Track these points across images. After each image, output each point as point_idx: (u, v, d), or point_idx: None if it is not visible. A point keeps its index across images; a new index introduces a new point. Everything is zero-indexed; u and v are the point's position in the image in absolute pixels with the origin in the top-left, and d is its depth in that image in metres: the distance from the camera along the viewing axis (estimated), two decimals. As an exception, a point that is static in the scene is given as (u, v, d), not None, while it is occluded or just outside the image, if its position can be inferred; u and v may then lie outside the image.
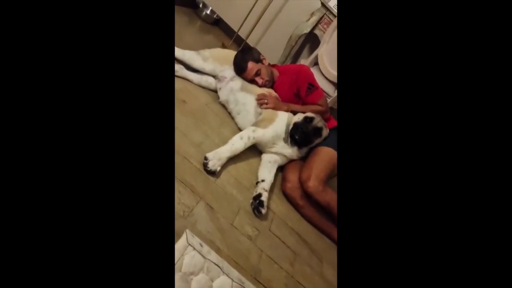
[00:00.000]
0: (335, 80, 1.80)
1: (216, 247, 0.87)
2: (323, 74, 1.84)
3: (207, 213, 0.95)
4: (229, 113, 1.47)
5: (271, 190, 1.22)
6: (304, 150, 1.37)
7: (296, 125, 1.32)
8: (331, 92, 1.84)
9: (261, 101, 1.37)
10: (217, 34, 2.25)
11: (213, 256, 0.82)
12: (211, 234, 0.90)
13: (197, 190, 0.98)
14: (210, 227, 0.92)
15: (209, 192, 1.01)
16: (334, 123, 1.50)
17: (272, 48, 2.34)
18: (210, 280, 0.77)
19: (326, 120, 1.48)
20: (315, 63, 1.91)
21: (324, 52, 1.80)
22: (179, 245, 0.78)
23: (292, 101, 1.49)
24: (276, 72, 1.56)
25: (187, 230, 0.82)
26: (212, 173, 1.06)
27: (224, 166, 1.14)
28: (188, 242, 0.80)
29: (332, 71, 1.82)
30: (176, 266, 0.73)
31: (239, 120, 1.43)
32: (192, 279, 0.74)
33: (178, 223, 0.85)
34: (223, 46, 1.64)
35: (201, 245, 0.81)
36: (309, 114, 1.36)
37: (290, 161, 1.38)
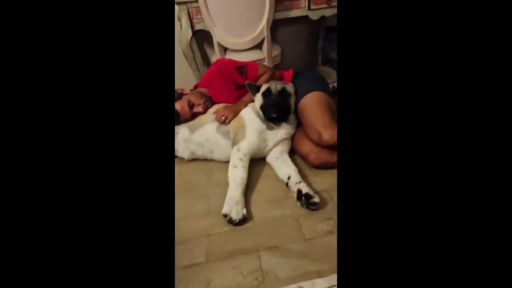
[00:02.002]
0: (243, 46, 1.67)
1: (318, 271, 0.73)
2: (232, 49, 1.71)
3: (276, 255, 0.80)
4: (206, 159, 1.33)
5: (305, 177, 1.07)
6: (292, 117, 1.24)
7: (263, 107, 1.19)
8: (258, 55, 1.71)
9: (221, 120, 1.23)
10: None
11: (328, 279, 0.69)
12: (300, 266, 0.76)
13: (248, 247, 0.84)
14: (292, 262, 0.78)
15: (258, 236, 0.87)
16: (289, 74, 1.37)
17: (183, 76, 2.21)
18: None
19: (279, 79, 1.34)
20: (224, 48, 1.78)
21: (216, 32, 1.67)
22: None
23: (240, 96, 1.35)
24: (203, 89, 1.44)
25: (278, 292, 0.68)
26: (243, 220, 0.92)
27: (247, 204, 0.99)
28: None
29: (230, 39, 1.67)
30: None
31: (217, 155, 1.29)
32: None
33: (264, 296, 0.71)
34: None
35: (313, 285, 0.69)
36: (263, 88, 1.23)
37: (293, 137, 1.25)
